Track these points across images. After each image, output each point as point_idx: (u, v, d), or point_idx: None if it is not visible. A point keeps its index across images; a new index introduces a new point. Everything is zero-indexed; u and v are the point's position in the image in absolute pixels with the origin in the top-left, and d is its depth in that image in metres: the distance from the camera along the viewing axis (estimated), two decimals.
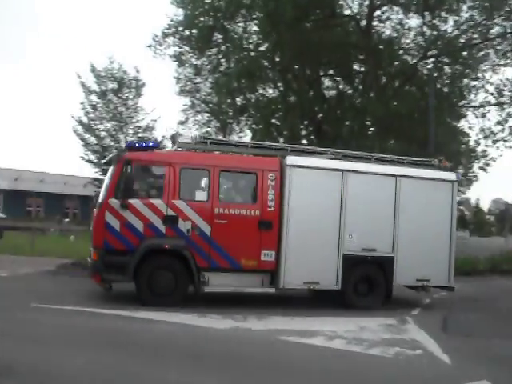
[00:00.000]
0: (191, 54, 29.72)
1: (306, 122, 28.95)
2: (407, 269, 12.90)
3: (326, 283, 12.54)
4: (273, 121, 28.14)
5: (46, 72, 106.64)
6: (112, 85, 28.83)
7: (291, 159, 12.58)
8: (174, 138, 13.11)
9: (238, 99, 29.14)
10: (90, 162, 27.80)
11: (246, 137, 29.99)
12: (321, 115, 28.84)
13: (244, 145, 13.88)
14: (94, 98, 28.76)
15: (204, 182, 12.44)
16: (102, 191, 12.11)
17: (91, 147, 27.80)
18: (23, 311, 10.39)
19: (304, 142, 27.44)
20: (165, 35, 28.65)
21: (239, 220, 12.04)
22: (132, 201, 11.59)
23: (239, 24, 28.85)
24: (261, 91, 29.36)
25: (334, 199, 12.64)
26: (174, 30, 28.46)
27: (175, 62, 29.84)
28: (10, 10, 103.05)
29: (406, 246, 12.86)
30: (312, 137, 28.90)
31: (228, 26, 28.28)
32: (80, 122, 27.88)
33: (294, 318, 11.24)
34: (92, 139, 27.93)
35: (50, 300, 11.43)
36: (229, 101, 28.86)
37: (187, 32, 28.27)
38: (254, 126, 29.39)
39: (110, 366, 7.14)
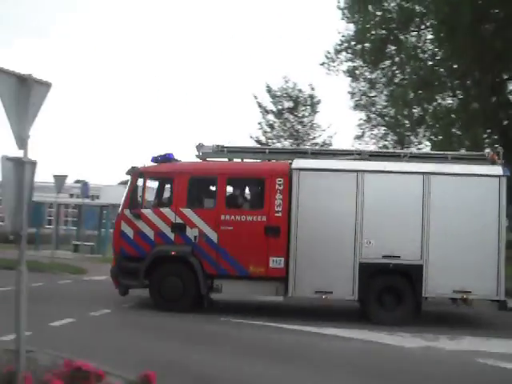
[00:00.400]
0: (365, 68, 29.53)
1: (489, 131, 27.21)
2: (441, 278, 11.41)
3: (340, 293, 11.75)
4: (453, 131, 26.88)
5: (226, 94, 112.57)
6: (288, 103, 29.57)
7: (298, 162, 12.18)
8: (197, 149, 13.36)
9: (415, 110, 28.34)
10: None
11: (426, 149, 28.95)
12: (506, 122, 26.92)
13: (261, 151, 13.67)
14: (270, 117, 29.72)
15: (211, 189, 12.72)
16: (121, 202, 12.79)
17: None
18: (213, 324, 10.92)
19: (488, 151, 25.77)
20: (337, 51, 28.81)
21: (245, 226, 11.95)
22: (144, 210, 12.36)
23: (412, 33, 28.12)
24: (439, 101, 28.23)
25: (348, 202, 11.76)
26: (345, 45, 28.54)
27: (349, 77, 29.84)
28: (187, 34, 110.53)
29: (440, 252, 11.41)
30: (496, 145, 27.08)
31: (401, 37, 27.68)
32: (258, 142, 28.89)
33: (489, 339, 10.50)
34: None
35: (236, 314, 11.84)
36: (405, 113, 28.15)
37: (359, 46, 28.17)
38: (432, 137, 28.30)
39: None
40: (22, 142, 5.46)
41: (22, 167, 5.42)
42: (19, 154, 5.52)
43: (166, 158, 12.99)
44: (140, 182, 12.69)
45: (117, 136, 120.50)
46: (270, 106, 29.86)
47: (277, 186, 11.95)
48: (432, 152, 13.15)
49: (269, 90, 29.62)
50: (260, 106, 29.58)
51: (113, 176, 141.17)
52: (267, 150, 13.60)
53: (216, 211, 12.11)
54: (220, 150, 13.20)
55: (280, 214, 11.88)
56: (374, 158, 13.00)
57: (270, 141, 28.89)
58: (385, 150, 13.54)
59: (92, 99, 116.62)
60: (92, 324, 10.60)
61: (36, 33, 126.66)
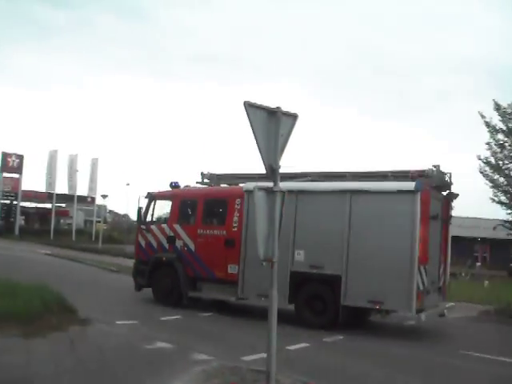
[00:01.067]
0: None
1: None
2: (357, 288, 12.28)
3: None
4: None
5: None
6: None
7: (246, 186, 14.19)
8: (201, 176, 16.79)
9: None
10: (500, 203, 26.90)
11: None
12: None
13: (241, 176, 15.83)
14: (500, 136, 27.88)
15: (193, 209, 15.61)
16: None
17: (501, 188, 26.90)
18: (452, 357, 10.38)
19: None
20: None
21: (212, 239, 14.72)
22: (152, 226, 16.01)
23: None
24: None
25: (284, 218, 10.66)
26: None
27: None
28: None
29: (357, 265, 12.34)
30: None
31: None
32: (487, 163, 27.27)
33: None
34: (501, 180, 27.07)
35: (477, 348, 11.14)
36: None
37: None
38: None
39: None
40: (272, 171, 5.75)
41: (273, 196, 5.70)
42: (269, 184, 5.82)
43: (175, 185, 16.48)
44: (153, 203, 16.33)
45: None
46: (500, 125, 28.06)
47: (235, 206, 14.40)
48: (372, 171, 13.87)
49: (497, 108, 27.86)
50: (488, 125, 27.93)
51: None
52: (242, 175, 15.86)
53: (195, 226, 15.17)
54: (212, 178, 16.71)
55: (236, 229, 14.28)
56: (324, 178, 14.19)
57: (500, 162, 27.13)
58: (330, 171, 14.46)
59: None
60: (326, 350, 10.71)
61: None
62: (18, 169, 55.52)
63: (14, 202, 54.63)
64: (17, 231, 52.65)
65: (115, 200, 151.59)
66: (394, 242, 12.01)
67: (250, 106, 5.68)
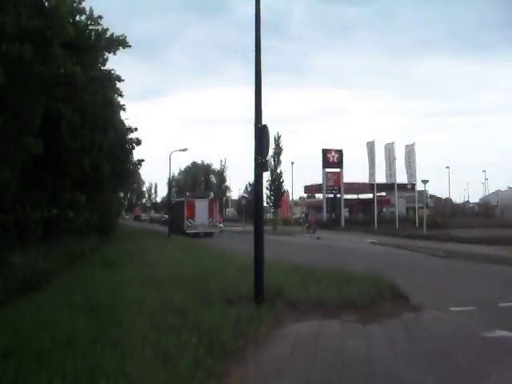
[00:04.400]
0: None
1: None
2: (184, 226, 45.89)
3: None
4: None
5: None
6: None
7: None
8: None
9: None
10: None
11: None
12: None
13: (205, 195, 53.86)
14: None
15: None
16: None
17: None
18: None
19: None
20: None
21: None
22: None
23: None
24: None
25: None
26: None
27: None
28: None
29: (187, 219, 47.03)
30: None
31: None
32: None
33: None
34: None
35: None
36: None
37: None
38: None
39: None
40: None
41: None
42: None
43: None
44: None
45: None
46: None
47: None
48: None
49: None
50: None
51: None
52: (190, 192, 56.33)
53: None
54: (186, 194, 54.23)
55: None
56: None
57: None
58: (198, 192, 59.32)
59: None
60: None
61: None
62: (339, 163, 58.82)
63: (338, 195, 58.12)
64: (342, 222, 55.82)
65: (436, 184, 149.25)
66: (181, 212, 46.33)
67: None
